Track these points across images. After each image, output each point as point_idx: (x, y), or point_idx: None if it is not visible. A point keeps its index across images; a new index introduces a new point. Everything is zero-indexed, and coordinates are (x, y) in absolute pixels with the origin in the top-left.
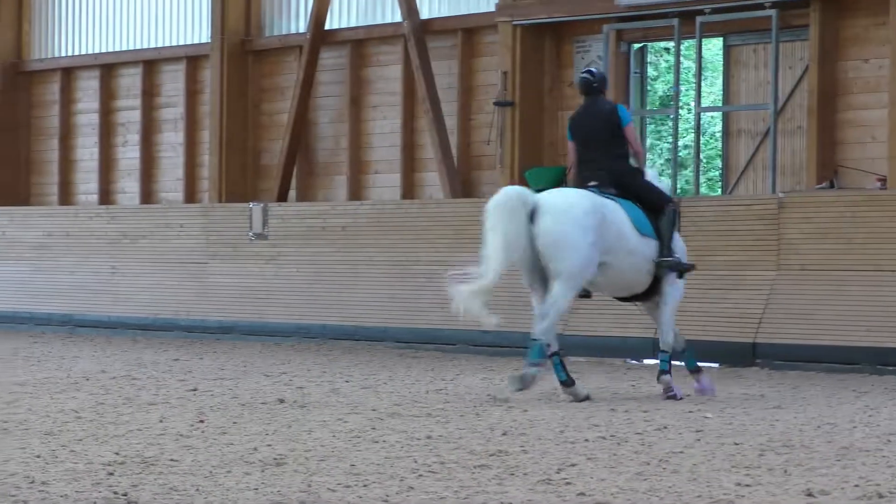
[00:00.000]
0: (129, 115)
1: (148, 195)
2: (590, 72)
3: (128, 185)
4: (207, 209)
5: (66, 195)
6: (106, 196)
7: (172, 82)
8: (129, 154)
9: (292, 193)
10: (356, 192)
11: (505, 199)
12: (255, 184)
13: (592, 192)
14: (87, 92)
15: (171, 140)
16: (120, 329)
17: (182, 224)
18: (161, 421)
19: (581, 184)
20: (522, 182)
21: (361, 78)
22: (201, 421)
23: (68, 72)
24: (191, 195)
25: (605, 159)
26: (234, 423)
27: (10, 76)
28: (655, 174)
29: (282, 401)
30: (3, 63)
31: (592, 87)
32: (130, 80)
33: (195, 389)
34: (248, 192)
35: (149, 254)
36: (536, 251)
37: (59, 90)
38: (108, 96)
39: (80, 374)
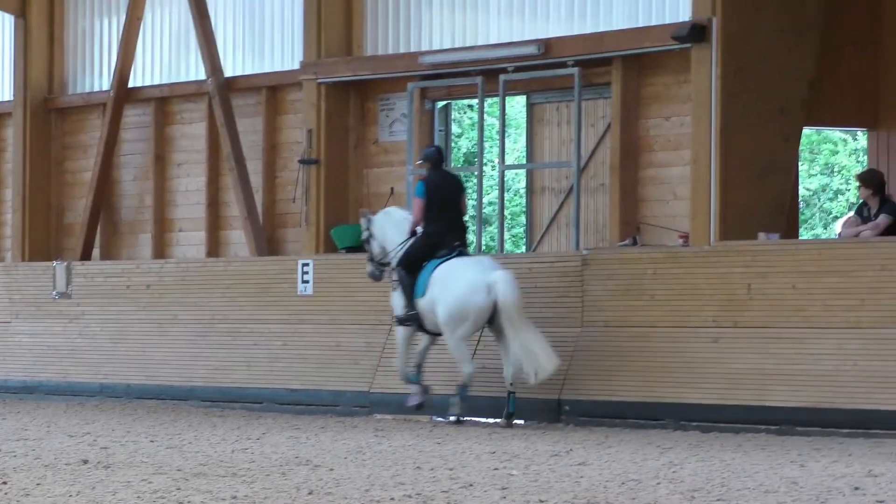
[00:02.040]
0: None
1: None
2: (437, 147)
3: None
4: (10, 268)
5: None
6: None
7: None
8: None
9: (96, 252)
10: (161, 250)
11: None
12: (58, 242)
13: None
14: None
15: None
16: None
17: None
18: None
19: (441, 241)
20: (328, 240)
21: (166, 135)
22: (4, 482)
23: None
24: None
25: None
26: (38, 484)
27: None
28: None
29: (86, 461)
30: None
31: (442, 157)
32: None
33: None
34: (51, 250)
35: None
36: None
37: None
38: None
39: None
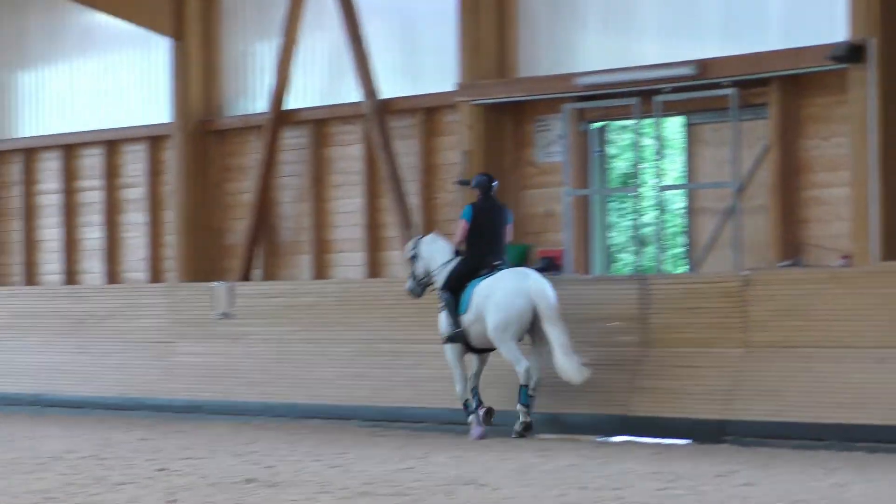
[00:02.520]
0: (92, 195)
1: (112, 275)
2: (488, 175)
3: (92, 266)
4: (172, 289)
5: (31, 275)
6: (70, 276)
7: (135, 163)
8: (92, 234)
9: (257, 272)
10: (320, 271)
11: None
12: (219, 263)
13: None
14: (50, 172)
15: (135, 220)
16: (88, 408)
17: (148, 304)
18: (131, 501)
19: (482, 263)
20: None
21: (323, 157)
22: (172, 501)
23: (30, 152)
24: (155, 275)
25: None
26: (205, 503)
27: None
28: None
29: (251, 480)
30: None
31: (491, 185)
32: (93, 161)
33: (164, 469)
34: (212, 271)
35: (115, 333)
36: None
37: (22, 171)
38: (70, 177)
39: (48, 455)
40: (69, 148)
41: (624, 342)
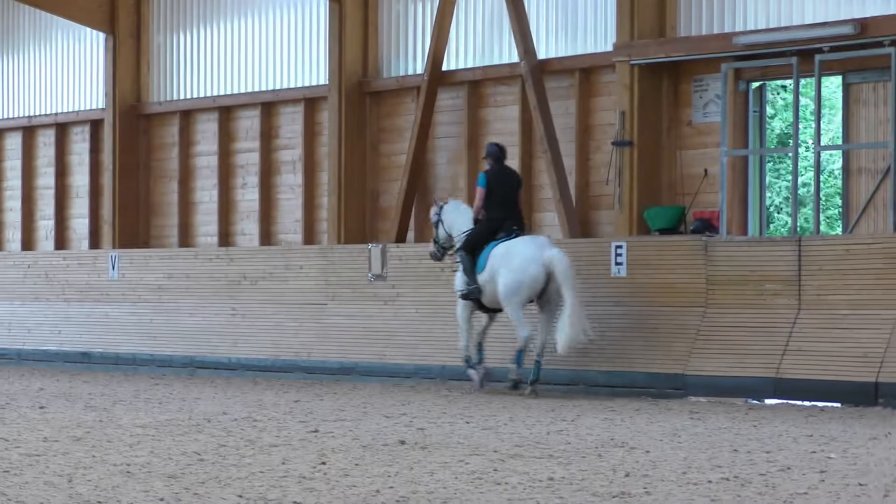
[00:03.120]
0: (248, 157)
1: (267, 237)
2: (498, 144)
3: (247, 227)
4: (326, 251)
5: (186, 237)
6: (225, 238)
7: (290, 124)
8: (248, 196)
9: (410, 235)
10: None
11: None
12: (373, 225)
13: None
14: (206, 134)
15: (290, 182)
16: (240, 370)
17: (301, 265)
18: (283, 463)
19: (500, 226)
20: (641, 222)
21: (479, 118)
22: (323, 463)
23: (187, 114)
24: (310, 237)
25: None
26: (356, 464)
27: (130, 119)
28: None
29: (403, 442)
30: (122, 106)
31: (503, 154)
32: (249, 123)
33: (316, 431)
34: (366, 233)
35: (269, 295)
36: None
37: (178, 132)
38: (226, 138)
39: (201, 416)
40: (226, 110)
41: (779, 304)
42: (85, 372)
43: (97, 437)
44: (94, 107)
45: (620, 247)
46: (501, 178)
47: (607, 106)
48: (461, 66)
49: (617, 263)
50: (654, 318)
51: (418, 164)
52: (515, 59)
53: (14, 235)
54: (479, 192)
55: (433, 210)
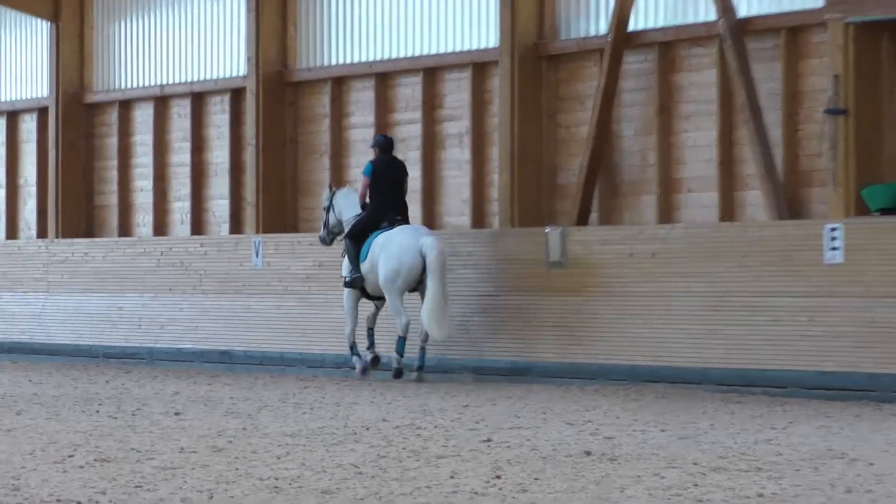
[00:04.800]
0: (409, 129)
1: (431, 218)
2: (385, 136)
3: (408, 208)
4: (498, 235)
5: None
6: None
7: (456, 92)
8: (409, 173)
9: (593, 217)
10: (666, 213)
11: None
12: (551, 204)
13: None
14: (361, 104)
15: (457, 157)
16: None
17: (469, 252)
18: (452, 477)
19: (384, 216)
20: (860, 201)
21: (670, 84)
22: (497, 477)
23: (339, 82)
24: (478, 219)
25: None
26: (535, 479)
27: (276, 87)
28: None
29: (588, 453)
30: (267, 73)
31: (390, 145)
32: (409, 91)
33: (489, 440)
34: (543, 214)
35: None
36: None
37: (330, 102)
38: (384, 109)
39: (358, 424)
40: (383, 77)
41: None
42: (226, 373)
43: (240, 448)
44: (234, 74)
45: (836, 229)
46: (388, 169)
47: (818, 70)
48: (650, 25)
49: (832, 248)
50: (874, 311)
51: (602, 137)
52: (712, 17)
53: (145, 219)
54: (363, 181)
55: (325, 194)
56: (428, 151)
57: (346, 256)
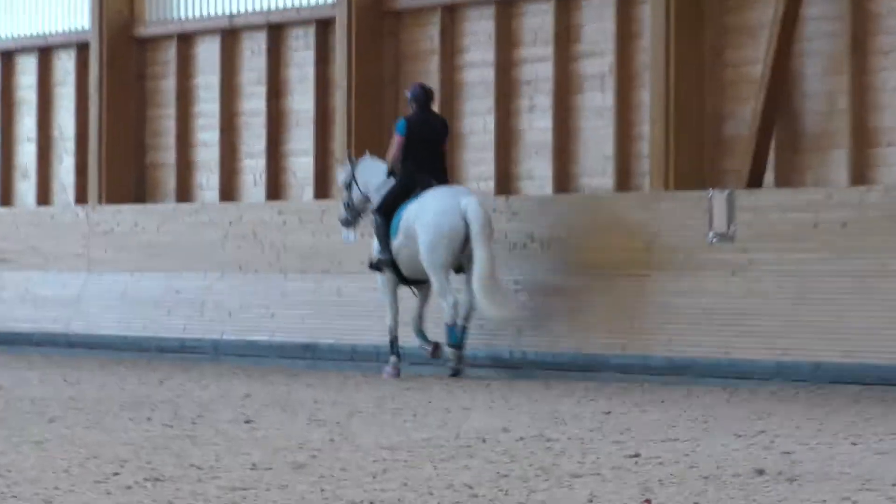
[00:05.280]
0: (537, 68)
1: (563, 180)
2: (422, 85)
3: (535, 167)
4: (648, 200)
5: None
6: (504, 182)
7: (597, 22)
8: (536, 123)
9: (768, 177)
10: (861, 172)
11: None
12: (715, 162)
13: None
14: (478, 37)
15: (597, 103)
16: (527, 368)
17: (612, 221)
18: (591, 500)
19: (417, 183)
20: None
21: (866, 12)
22: (647, 500)
23: (451, 10)
24: (623, 180)
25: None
26: (695, 502)
27: (372, 17)
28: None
29: (762, 472)
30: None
31: (429, 97)
32: (538, 21)
33: (637, 455)
34: (705, 174)
35: (565, 262)
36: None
37: (440, 34)
38: (506, 43)
39: (473, 434)
40: (505, 3)
41: None
42: (308, 371)
43: (327, 464)
44: (321, 1)
45: None
46: (424, 126)
47: None
48: None
49: None
50: None
51: (779, 77)
52: None
53: (210, 181)
54: (397, 139)
55: (344, 169)
56: (561, 96)
57: (375, 236)
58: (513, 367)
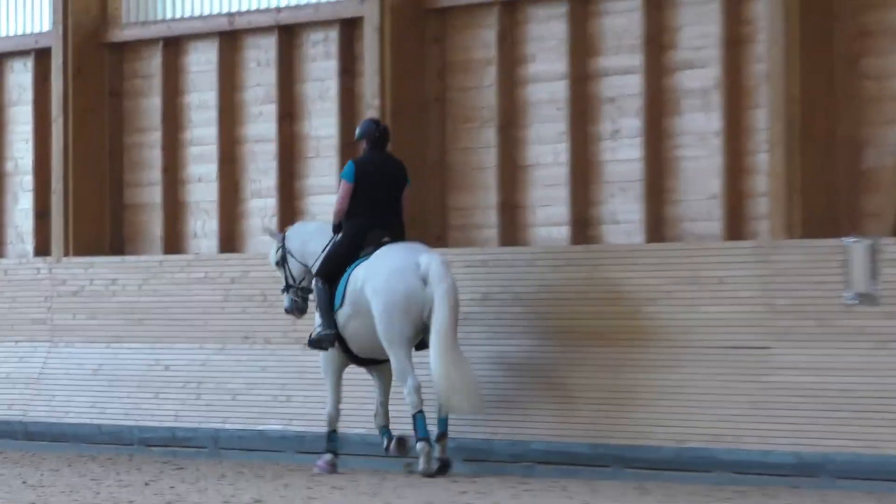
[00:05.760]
0: (623, 81)
1: (656, 223)
2: (375, 120)
3: (619, 207)
4: (765, 249)
5: (512, 227)
6: (581, 224)
7: (696, 24)
8: (622, 152)
9: None
10: None
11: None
12: (851, 202)
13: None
14: (546, 43)
15: (699, 126)
16: (616, 466)
17: (721, 276)
18: None
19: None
20: None
21: None
22: None
23: (510, 8)
24: (734, 225)
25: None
26: None
27: (410, 17)
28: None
29: None
30: None
31: (383, 135)
32: (622, 22)
33: None
34: (839, 218)
35: (657, 329)
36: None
37: (497, 40)
38: (580, 49)
39: None
40: (579, 3)
41: None
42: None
43: None
44: None
45: None
46: (377, 171)
47: None
48: None
49: None
50: None
51: None
52: None
53: (206, 226)
54: (344, 187)
55: (273, 247)
56: (653, 118)
57: (317, 307)
58: (588, 465)
